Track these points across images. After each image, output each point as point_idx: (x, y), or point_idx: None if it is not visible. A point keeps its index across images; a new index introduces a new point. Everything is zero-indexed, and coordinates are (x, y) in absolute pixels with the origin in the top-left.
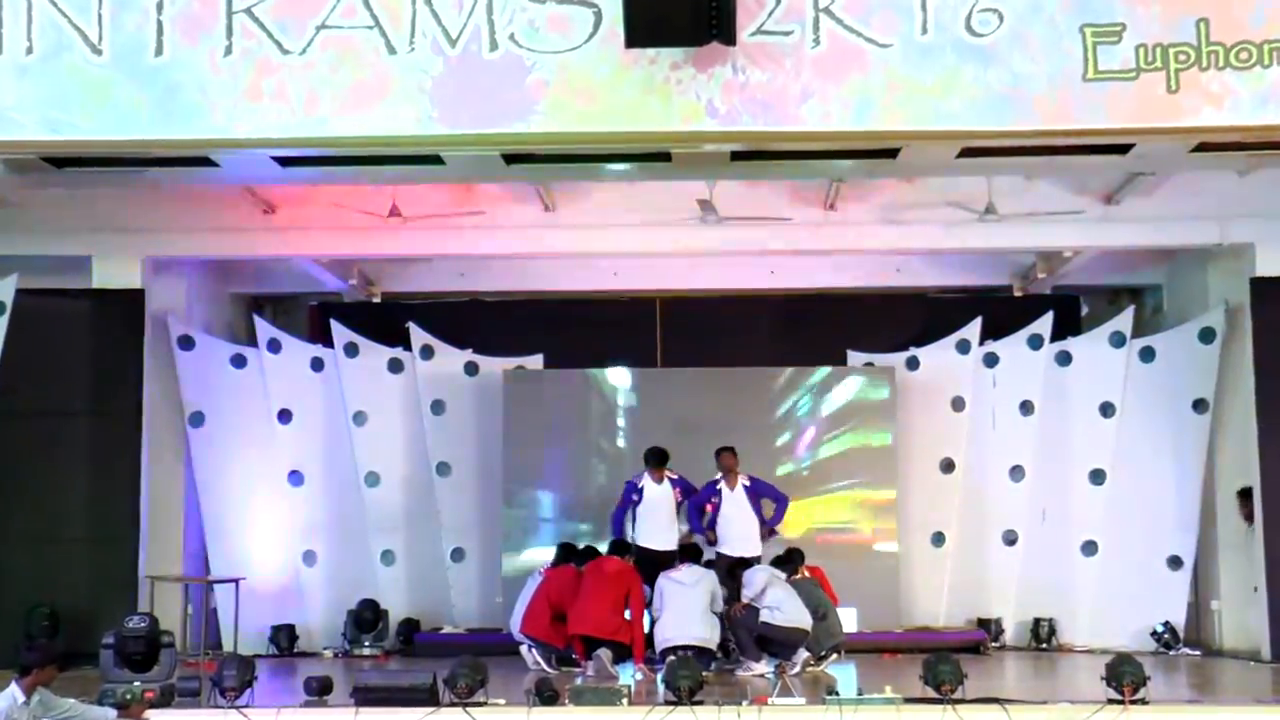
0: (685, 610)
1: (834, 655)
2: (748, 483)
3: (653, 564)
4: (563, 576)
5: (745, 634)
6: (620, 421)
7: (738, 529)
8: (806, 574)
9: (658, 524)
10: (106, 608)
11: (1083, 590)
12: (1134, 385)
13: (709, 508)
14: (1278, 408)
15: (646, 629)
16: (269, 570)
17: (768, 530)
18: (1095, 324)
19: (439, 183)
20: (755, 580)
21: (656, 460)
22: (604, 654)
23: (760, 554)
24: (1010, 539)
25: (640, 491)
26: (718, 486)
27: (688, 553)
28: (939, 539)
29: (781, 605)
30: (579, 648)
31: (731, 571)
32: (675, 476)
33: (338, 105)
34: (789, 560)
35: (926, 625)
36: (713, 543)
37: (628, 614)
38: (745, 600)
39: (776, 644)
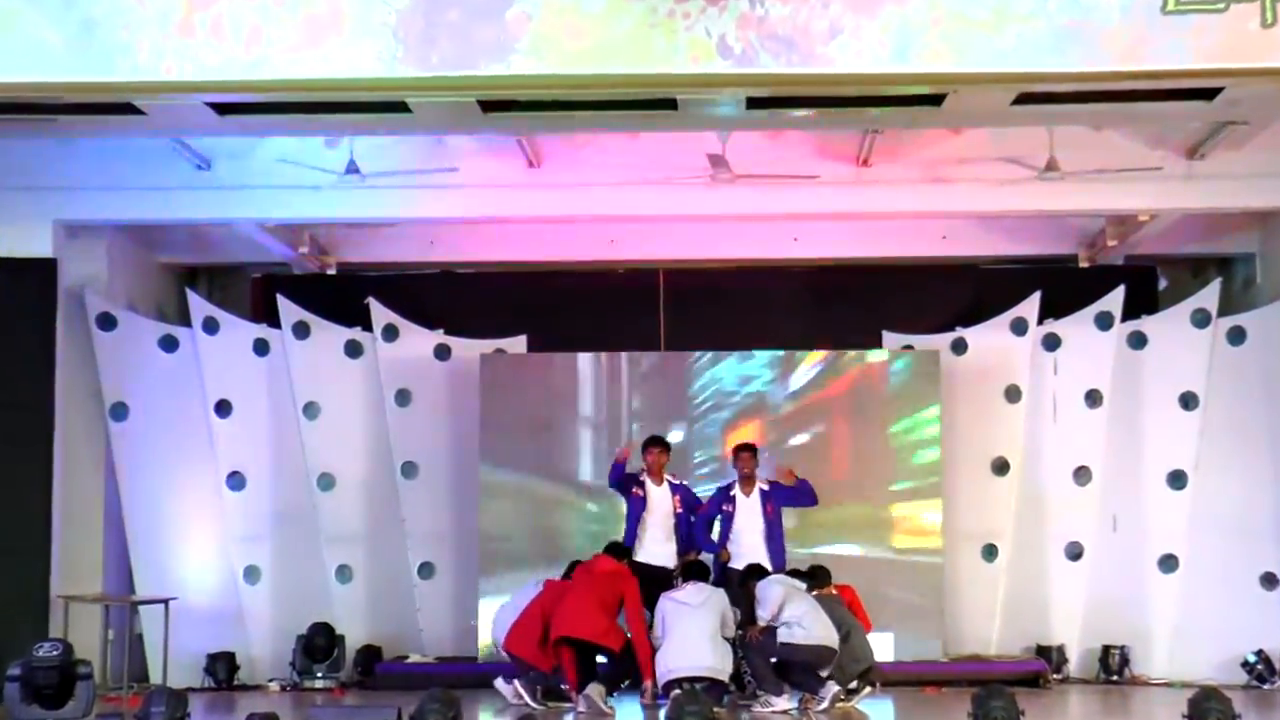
0: (692, 635)
1: (867, 688)
2: (766, 487)
3: (651, 583)
4: (561, 588)
5: (762, 661)
6: (618, 414)
7: (752, 541)
8: (834, 592)
9: (655, 534)
10: (12, 633)
11: (1161, 613)
12: (1221, 372)
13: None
14: None
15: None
16: (204, 589)
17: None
18: (1175, 300)
19: (405, 134)
20: (771, 595)
21: (658, 446)
22: (595, 691)
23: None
24: (1075, 552)
25: (641, 484)
26: (731, 493)
27: (692, 569)
28: (991, 552)
29: (802, 620)
30: (569, 671)
31: (744, 585)
32: (676, 482)
33: (285, 42)
34: (813, 577)
35: (976, 654)
36: (727, 561)
37: (623, 623)
38: (762, 622)
39: (799, 670)
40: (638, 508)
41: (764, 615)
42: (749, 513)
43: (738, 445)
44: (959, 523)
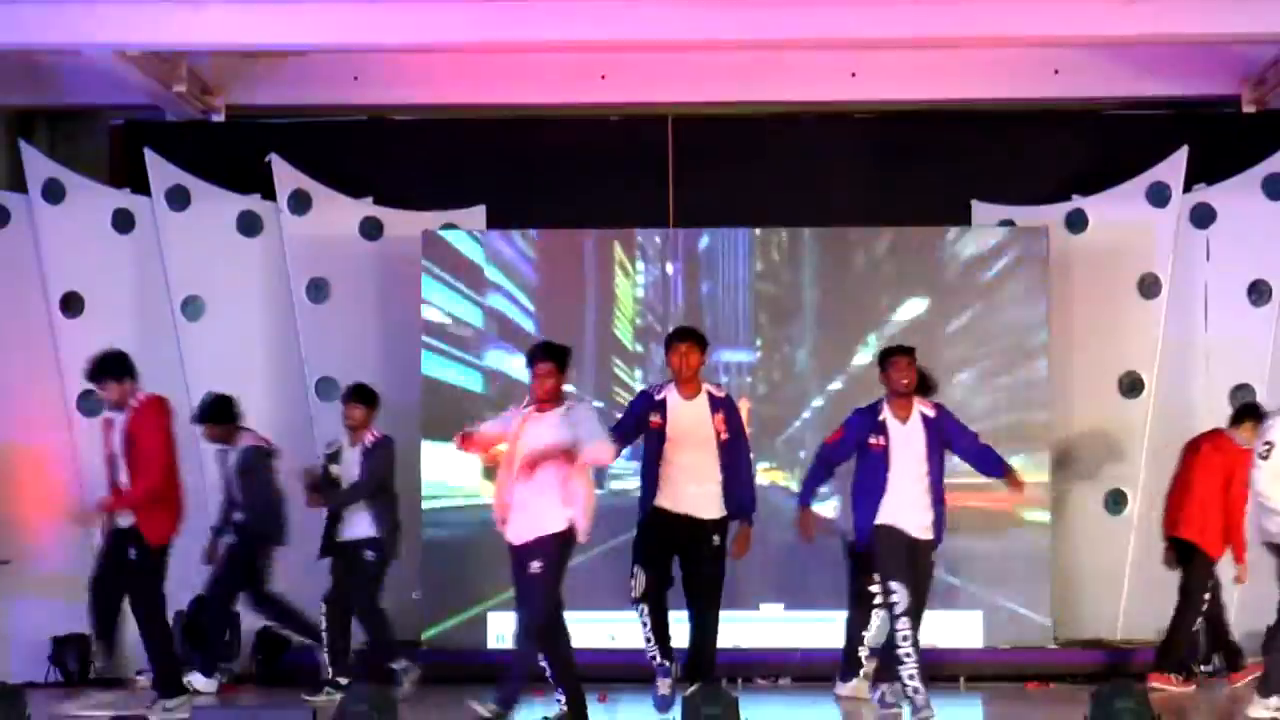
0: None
1: None
2: (931, 413)
3: (683, 540)
4: None
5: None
6: (610, 314)
7: (913, 493)
8: None
9: (689, 471)
10: None
11: None
12: None
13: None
14: None
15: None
16: (48, 551)
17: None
18: None
19: None
20: None
21: (688, 337)
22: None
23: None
24: None
25: (661, 409)
26: (880, 418)
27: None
28: (1117, 502)
29: None
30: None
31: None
32: (721, 394)
33: None
34: None
35: (1096, 638)
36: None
37: None
38: None
39: None
40: (655, 442)
41: None
42: (907, 450)
43: (888, 350)
44: (1074, 461)
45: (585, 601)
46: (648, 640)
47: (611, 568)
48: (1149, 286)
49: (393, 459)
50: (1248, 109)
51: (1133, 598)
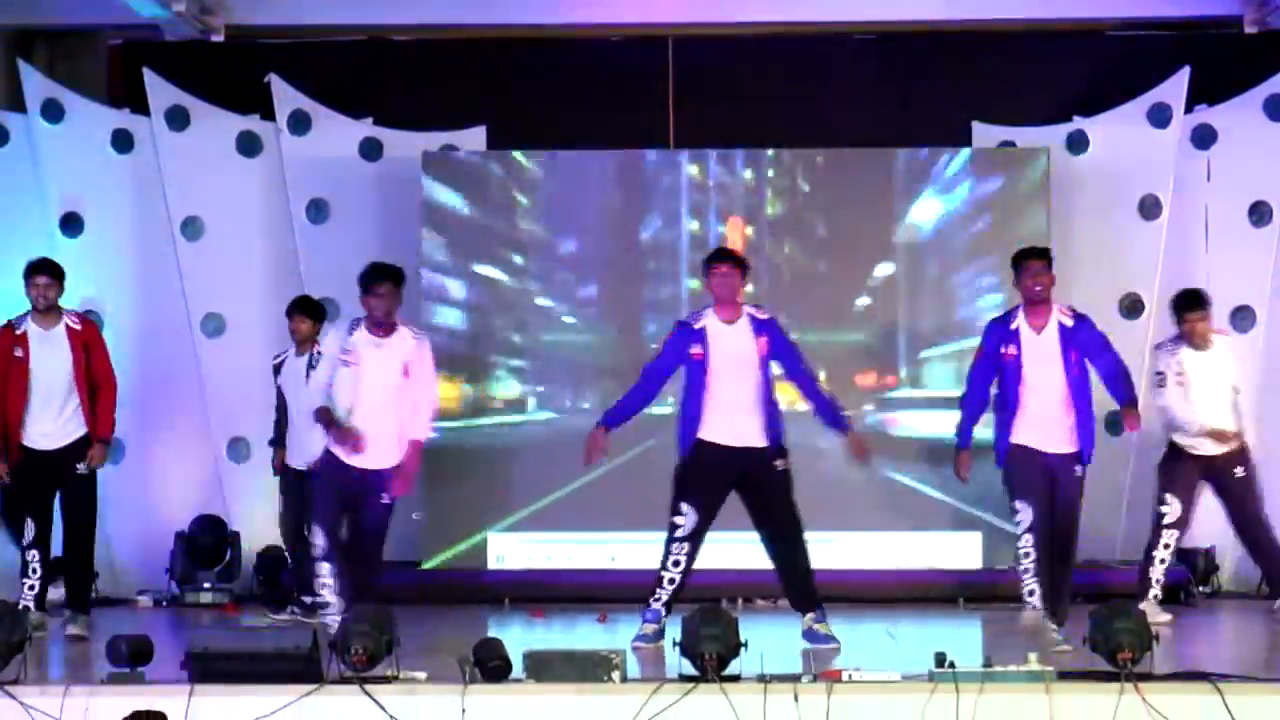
0: None
1: None
2: (1070, 321)
3: (731, 470)
4: None
5: None
6: (608, 236)
7: (1053, 410)
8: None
9: (735, 400)
10: None
11: None
12: None
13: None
14: None
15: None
16: None
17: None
18: None
19: None
20: None
21: (728, 259)
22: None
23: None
24: None
25: (700, 338)
26: (1013, 326)
27: None
28: (1116, 422)
29: None
30: None
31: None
32: (764, 316)
33: None
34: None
35: (1093, 560)
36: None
37: None
38: None
39: None
40: (698, 374)
41: None
42: (1043, 359)
43: (1023, 250)
44: None
45: (586, 523)
46: (670, 583)
47: (613, 490)
48: (1149, 208)
49: None
50: (1249, 30)
51: (1131, 520)
